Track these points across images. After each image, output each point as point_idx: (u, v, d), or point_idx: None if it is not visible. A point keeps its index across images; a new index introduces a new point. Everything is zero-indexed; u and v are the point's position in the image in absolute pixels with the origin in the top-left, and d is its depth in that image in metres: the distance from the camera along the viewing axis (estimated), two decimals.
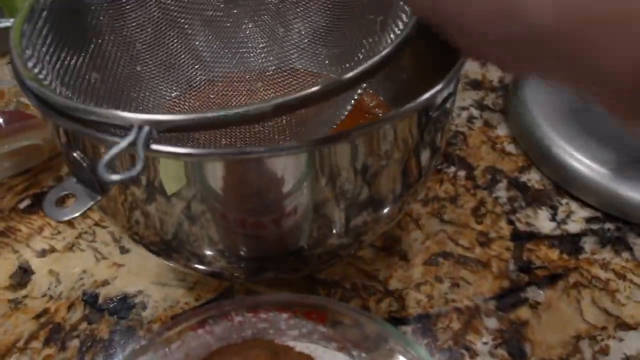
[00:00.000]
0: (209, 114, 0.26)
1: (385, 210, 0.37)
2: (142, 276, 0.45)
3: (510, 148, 0.55)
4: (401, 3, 0.37)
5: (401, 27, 0.35)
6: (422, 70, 0.36)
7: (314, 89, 0.27)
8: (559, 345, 0.41)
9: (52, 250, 0.47)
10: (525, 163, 0.54)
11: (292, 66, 0.45)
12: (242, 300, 0.32)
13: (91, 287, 0.45)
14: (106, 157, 0.24)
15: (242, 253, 0.36)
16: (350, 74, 0.28)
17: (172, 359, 0.31)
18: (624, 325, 0.42)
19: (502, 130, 0.57)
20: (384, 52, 0.30)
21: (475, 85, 0.61)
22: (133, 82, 0.43)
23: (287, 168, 0.30)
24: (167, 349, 0.31)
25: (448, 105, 0.33)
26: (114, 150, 0.24)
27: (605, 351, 0.41)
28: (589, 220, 0.49)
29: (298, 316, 0.32)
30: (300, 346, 0.32)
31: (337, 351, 0.32)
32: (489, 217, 0.49)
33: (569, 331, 0.42)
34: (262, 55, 0.45)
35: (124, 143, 0.25)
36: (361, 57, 0.40)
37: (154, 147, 0.26)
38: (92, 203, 0.32)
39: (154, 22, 0.43)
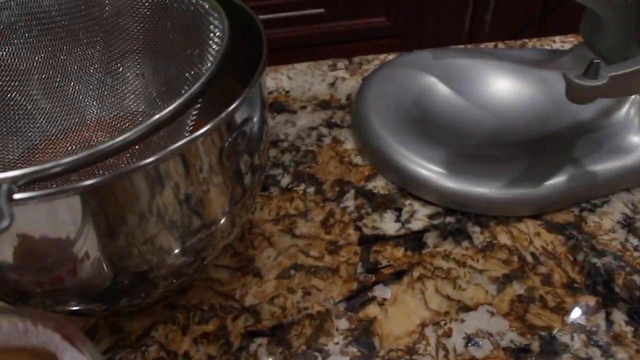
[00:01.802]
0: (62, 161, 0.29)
1: (217, 226, 0.39)
2: None
3: (357, 160, 0.58)
4: (210, 34, 0.40)
5: (214, 57, 0.38)
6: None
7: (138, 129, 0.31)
8: (406, 335, 0.44)
9: None
10: (371, 172, 0.57)
11: (128, 110, 0.47)
12: None
13: None
14: None
15: (83, 293, 0.38)
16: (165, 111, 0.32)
17: None
18: (464, 308, 0.46)
19: (349, 145, 0.60)
20: (192, 89, 0.34)
21: (324, 105, 0.65)
22: None
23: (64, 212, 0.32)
24: None
25: (247, 129, 0.35)
26: None
27: (448, 334, 0.44)
28: (431, 216, 0.53)
29: None
30: None
31: None
32: (337, 226, 0.52)
33: (415, 320, 0.45)
34: (98, 106, 0.47)
35: None
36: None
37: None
38: None
39: None
